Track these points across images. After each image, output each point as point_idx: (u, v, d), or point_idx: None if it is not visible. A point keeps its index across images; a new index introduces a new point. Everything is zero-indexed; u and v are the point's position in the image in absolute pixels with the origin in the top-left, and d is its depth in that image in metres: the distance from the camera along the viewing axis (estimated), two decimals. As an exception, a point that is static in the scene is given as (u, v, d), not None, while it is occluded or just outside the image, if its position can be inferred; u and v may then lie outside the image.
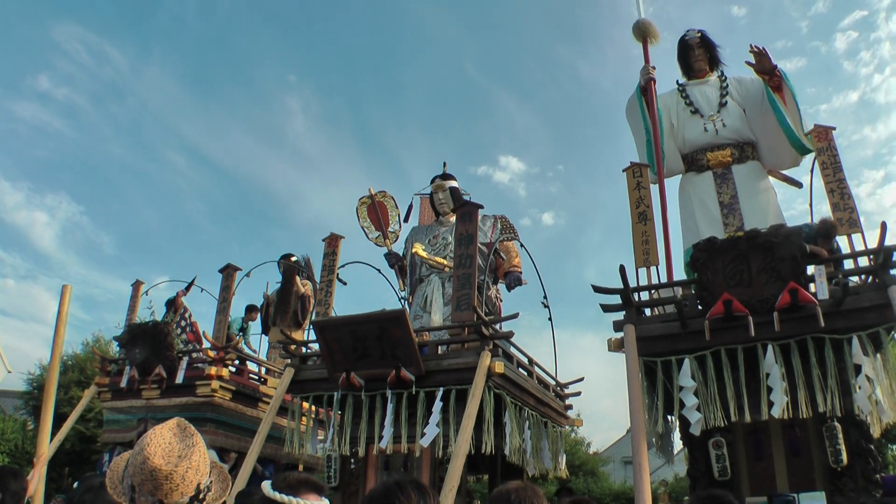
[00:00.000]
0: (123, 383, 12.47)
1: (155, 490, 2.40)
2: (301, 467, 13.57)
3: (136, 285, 14.50)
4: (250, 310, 15.92)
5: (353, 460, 9.93)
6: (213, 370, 11.97)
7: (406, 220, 13.37)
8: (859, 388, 7.29)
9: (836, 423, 7.47)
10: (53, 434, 9.46)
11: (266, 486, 3.24)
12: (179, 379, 12.07)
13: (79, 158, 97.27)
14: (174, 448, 2.49)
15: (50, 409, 8.57)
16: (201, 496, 2.49)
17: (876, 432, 7.82)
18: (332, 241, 11.39)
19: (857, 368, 7.38)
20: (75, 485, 5.82)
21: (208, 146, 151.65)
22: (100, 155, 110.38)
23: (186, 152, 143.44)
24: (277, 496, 3.17)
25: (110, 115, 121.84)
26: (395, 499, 2.67)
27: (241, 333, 15.29)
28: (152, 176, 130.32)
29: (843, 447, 7.40)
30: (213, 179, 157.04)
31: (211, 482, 2.58)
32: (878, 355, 7.66)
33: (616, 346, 8.30)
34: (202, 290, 14.84)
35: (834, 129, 9.05)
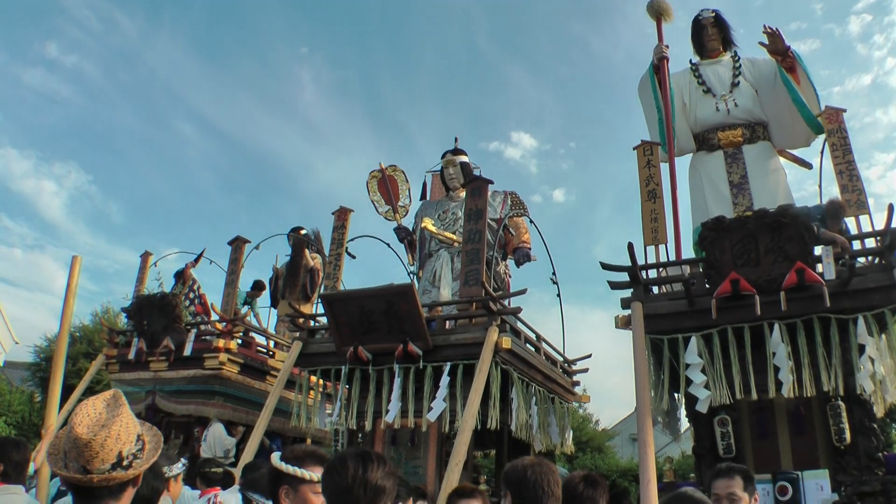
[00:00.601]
0: (131, 355, 12.52)
1: (78, 457, 2.47)
2: (309, 441, 13.64)
3: (145, 256, 14.53)
4: (257, 286, 15.90)
5: (360, 434, 9.96)
6: (221, 343, 12.01)
7: (422, 198, 13.38)
8: (862, 367, 7.32)
9: (840, 402, 7.51)
10: (62, 406, 9.48)
11: (275, 457, 3.34)
12: (187, 351, 12.11)
13: (87, 126, 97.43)
14: (101, 418, 2.54)
15: (58, 381, 8.61)
16: (124, 463, 2.54)
17: (879, 411, 7.85)
18: (342, 215, 11.42)
19: (862, 348, 7.42)
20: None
21: (217, 115, 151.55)
22: (108, 123, 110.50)
23: (196, 121, 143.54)
24: (284, 466, 3.25)
25: (119, 83, 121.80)
26: (334, 472, 2.76)
27: (245, 307, 15.33)
28: (161, 145, 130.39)
29: (846, 426, 7.44)
30: (223, 149, 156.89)
31: (139, 449, 2.63)
32: (883, 336, 7.67)
33: (623, 323, 8.32)
34: (211, 262, 14.85)
35: (844, 111, 9.08)
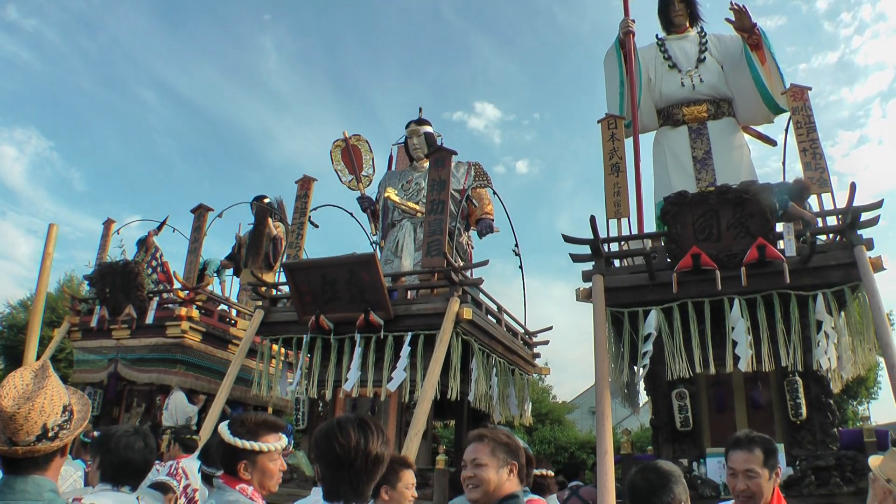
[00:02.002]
0: (94, 323, 12.50)
1: (4, 429, 2.47)
2: (270, 409, 13.64)
3: (108, 224, 14.44)
4: (229, 258, 15.84)
5: (321, 403, 9.97)
6: (183, 311, 11.99)
7: (389, 169, 13.33)
8: (818, 343, 7.38)
9: (798, 378, 7.59)
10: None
11: (226, 433, 3.30)
12: (149, 319, 12.10)
13: (48, 92, 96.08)
14: (27, 390, 2.54)
15: (33, 349, 8.57)
16: (50, 434, 2.54)
17: (836, 387, 7.93)
18: (305, 184, 11.37)
19: (821, 325, 7.48)
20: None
21: (179, 83, 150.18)
22: (69, 89, 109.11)
23: (157, 88, 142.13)
24: (240, 443, 3.26)
25: (80, 48, 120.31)
26: (333, 439, 2.70)
27: (215, 274, 15.29)
28: (123, 112, 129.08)
29: (803, 401, 7.53)
30: (185, 117, 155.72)
31: (65, 420, 2.62)
32: (842, 313, 7.74)
33: (584, 295, 8.34)
34: (174, 229, 14.83)
35: (810, 89, 9.11)
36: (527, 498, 3.97)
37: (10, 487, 2.50)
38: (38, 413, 2.49)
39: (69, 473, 5.74)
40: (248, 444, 3.31)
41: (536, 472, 5.86)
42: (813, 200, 8.48)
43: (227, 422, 3.41)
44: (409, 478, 4.75)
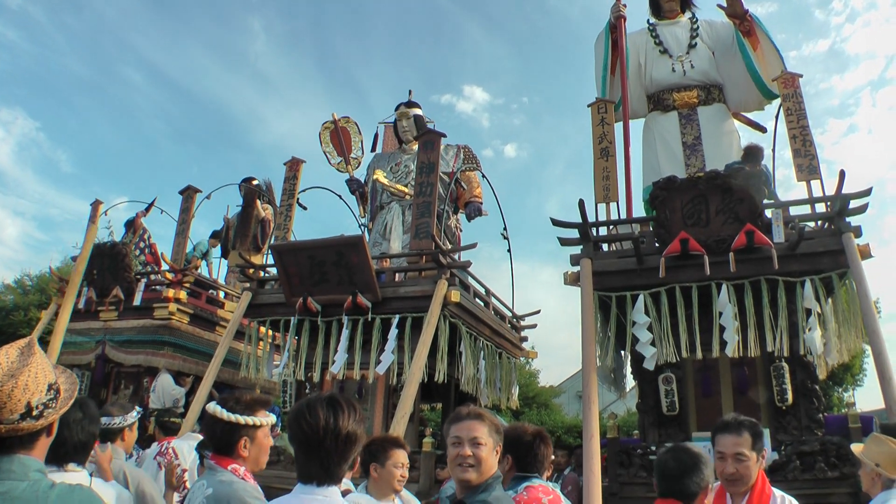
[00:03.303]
0: (81, 304, 12.44)
1: None
2: (258, 392, 13.62)
3: (95, 205, 14.36)
4: (216, 235, 15.79)
5: (308, 385, 9.97)
6: (170, 293, 11.97)
7: (373, 149, 13.33)
8: (809, 329, 7.40)
9: (784, 364, 7.62)
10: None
11: (220, 411, 3.32)
12: (137, 301, 12.10)
13: (34, 72, 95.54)
14: (12, 367, 2.51)
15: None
16: (34, 413, 2.51)
17: (822, 374, 7.95)
18: (294, 166, 11.34)
19: (808, 311, 7.50)
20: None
21: (166, 64, 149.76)
22: (56, 69, 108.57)
23: (144, 69, 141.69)
24: (242, 419, 3.30)
25: (66, 28, 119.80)
26: (302, 419, 2.66)
27: (203, 257, 15.26)
28: (109, 92, 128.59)
29: (788, 387, 7.57)
30: (172, 98, 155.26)
31: (50, 398, 2.60)
32: (830, 300, 7.75)
33: (572, 279, 8.35)
34: (162, 211, 14.80)
35: (801, 76, 9.10)
36: (528, 484, 4.00)
37: None
38: (22, 391, 2.46)
39: None
40: (249, 420, 3.34)
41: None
42: (802, 188, 8.49)
43: (215, 403, 3.39)
44: (398, 457, 4.78)
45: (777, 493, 4.00)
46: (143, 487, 4.54)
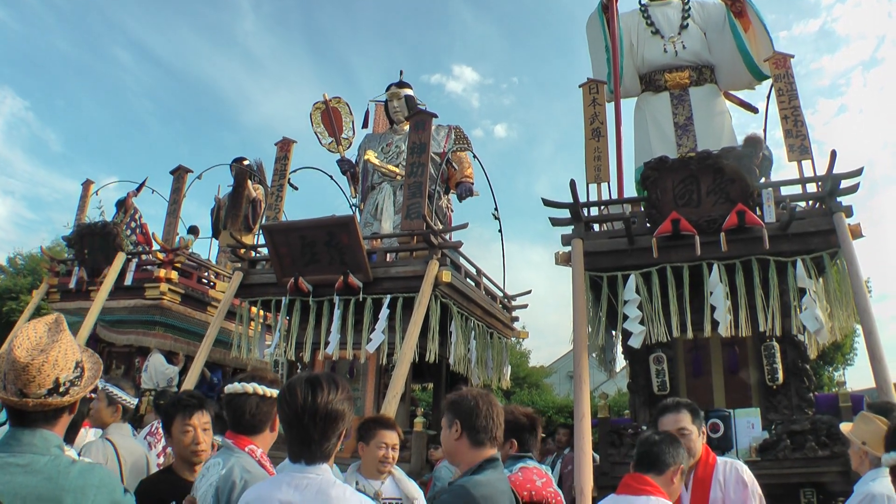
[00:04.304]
0: (72, 284, 12.46)
1: (15, 380, 2.45)
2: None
3: (86, 185, 14.37)
4: (192, 231, 15.74)
5: (299, 365, 9.97)
6: (162, 273, 11.96)
7: (364, 126, 13.31)
8: (805, 308, 7.41)
9: (775, 343, 7.64)
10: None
11: (259, 387, 3.43)
12: (128, 281, 12.06)
13: (22, 51, 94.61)
14: (41, 342, 2.52)
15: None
16: (61, 389, 2.52)
17: (812, 353, 7.98)
18: (285, 146, 11.31)
19: (801, 291, 7.52)
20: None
21: (155, 43, 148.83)
22: (44, 48, 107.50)
23: (132, 48, 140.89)
24: (261, 389, 3.39)
25: (54, 7, 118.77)
26: (283, 399, 2.72)
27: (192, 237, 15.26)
28: (98, 72, 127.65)
29: (779, 366, 7.59)
30: (160, 77, 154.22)
31: (76, 376, 2.61)
32: (821, 279, 7.77)
33: (563, 259, 8.35)
34: (153, 191, 14.76)
35: (792, 56, 9.09)
36: (522, 465, 4.04)
37: (16, 440, 2.48)
38: (52, 366, 2.48)
39: None
40: (269, 393, 3.40)
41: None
42: (793, 168, 8.49)
43: (242, 380, 3.43)
44: (382, 437, 4.84)
45: (721, 460, 4.28)
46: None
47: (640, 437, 3.79)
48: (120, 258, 11.91)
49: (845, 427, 4.38)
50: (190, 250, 14.29)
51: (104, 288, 11.43)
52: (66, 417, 2.64)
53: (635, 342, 7.72)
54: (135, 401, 5.38)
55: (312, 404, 2.64)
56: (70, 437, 3.72)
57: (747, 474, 4.17)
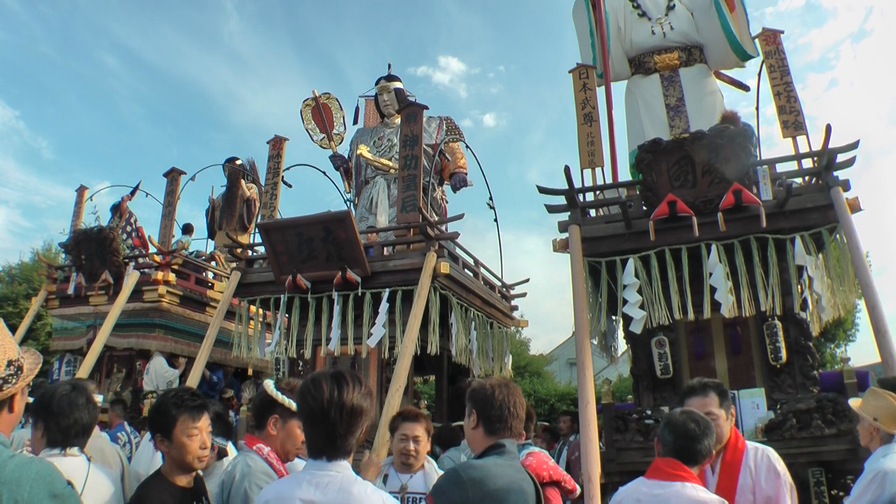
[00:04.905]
0: (71, 290, 12.48)
1: None
2: (250, 371, 13.66)
3: (81, 191, 14.36)
4: (186, 230, 15.74)
5: (300, 362, 9.95)
6: (159, 275, 11.96)
7: (354, 122, 13.27)
8: (809, 285, 7.41)
9: (777, 322, 7.62)
10: None
11: (270, 385, 3.73)
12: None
13: (9, 60, 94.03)
14: None
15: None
16: None
17: (815, 330, 7.96)
18: (277, 144, 11.27)
19: (799, 269, 7.51)
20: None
21: (140, 46, 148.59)
22: (31, 57, 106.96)
23: (119, 53, 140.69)
24: (279, 396, 3.69)
25: (40, 15, 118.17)
26: (307, 394, 2.73)
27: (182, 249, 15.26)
28: (86, 78, 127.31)
29: (782, 345, 7.56)
30: (148, 81, 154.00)
31: (10, 374, 2.62)
32: (820, 255, 7.75)
33: (561, 246, 8.34)
34: (147, 194, 14.75)
35: (782, 32, 9.07)
36: (529, 450, 4.06)
37: None
38: None
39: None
40: (286, 401, 3.63)
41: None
42: (788, 143, 8.48)
43: (272, 380, 3.75)
44: (404, 429, 5.07)
45: (751, 445, 4.16)
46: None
47: (676, 424, 3.67)
48: (134, 276, 11.87)
49: (854, 403, 4.36)
50: (188, 251, 14.31)
51: (118, 304, 11.38)
52: (5, 414, 2.67)
53: (636, 327, 7.71)
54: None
55: (339, 399, 2.68)
56: (82, 442, 3.71)
57: (780, 463, 4.08)
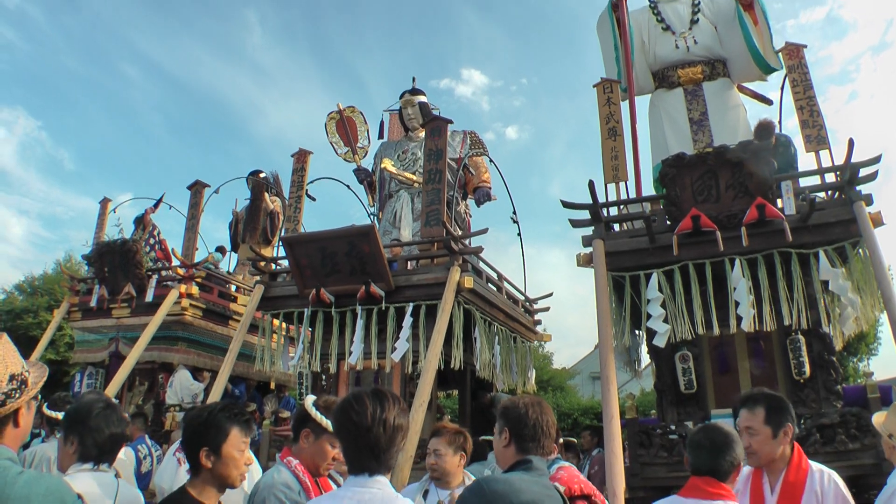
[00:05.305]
0: (93, 302, 12.50)
1: None
2: (273, 385, 13.68)
3: (104, 203, 14.42)
4: (220, 250, 15.77)
5: (324, 376, 9.96)
6: (182, 288, 11.97)
7: (380, 137, 13.29)
8: (832, 299, 7.40)
9: (800, 336, 7.61)
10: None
11: (309, 400, 3.85)
12: (149, 297, 12.07)
13: (32, 72, 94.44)
14: None
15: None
16: None
17: (838, 345, 7.95)
18: (301, 157, 11.30)
19: (823, 283, 7.50)
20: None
21: (164, 59, 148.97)
22: (55, 67, 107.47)
23: (142, 65, 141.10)
24: (313, 412, 3.78)
25: (63, 27, 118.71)
26: (350, 410, 2.75)
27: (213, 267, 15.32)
28: (108, 89, 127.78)
29: (806, 359, 7.55)
30: (170, 93, 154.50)
31: (13, 388, 2.62)
32: (843, 269, 7.73)
33: (585, 261, 8.34)
34: (170, 207, 14.78)
35: (805, 46, 9.08)
36: (559, 465, 4.07)
37: None
38: None
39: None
40: (319, 417, 3.72)
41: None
42: (811, 158, 8.47)
43: (314, 397, 3.89)
44: (431, 444, 5.09)
45: (816, 467, 4.06)
46: None
47: (693, 442, 3.66)
48: (173, 294, 11.91)
49: (877, 419, 4.34)
50: (218, 268, 14.35)
51: (156, 319, 11.39)
52: (10, 428, 2.66)
53: (660, 341, 7.71)
54: None
55: (381, 415, 2.73)
56: (112, 458, 3.72)
57: (846, 490, 4.00)
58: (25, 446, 6.64)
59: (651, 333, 7.95)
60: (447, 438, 5.09)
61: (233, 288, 13.74)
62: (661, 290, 7.83)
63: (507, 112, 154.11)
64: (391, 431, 2.74)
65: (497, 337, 10.07)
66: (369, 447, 2.72)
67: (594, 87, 9.49)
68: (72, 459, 3.66)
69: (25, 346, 9.97)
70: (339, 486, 3.74)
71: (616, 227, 8.70)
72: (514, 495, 2.85)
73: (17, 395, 2.62)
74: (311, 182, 11.60)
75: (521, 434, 3.23)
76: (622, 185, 8.88)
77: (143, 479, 8.05)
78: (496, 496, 2.83)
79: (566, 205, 8.47)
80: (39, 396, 2.94)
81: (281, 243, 10.19)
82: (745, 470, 4.04)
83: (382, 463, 2.74)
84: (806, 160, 9.09)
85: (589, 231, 8.43)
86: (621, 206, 8.77)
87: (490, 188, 12.03)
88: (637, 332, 9.09)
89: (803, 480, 3.98)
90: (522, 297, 11.98)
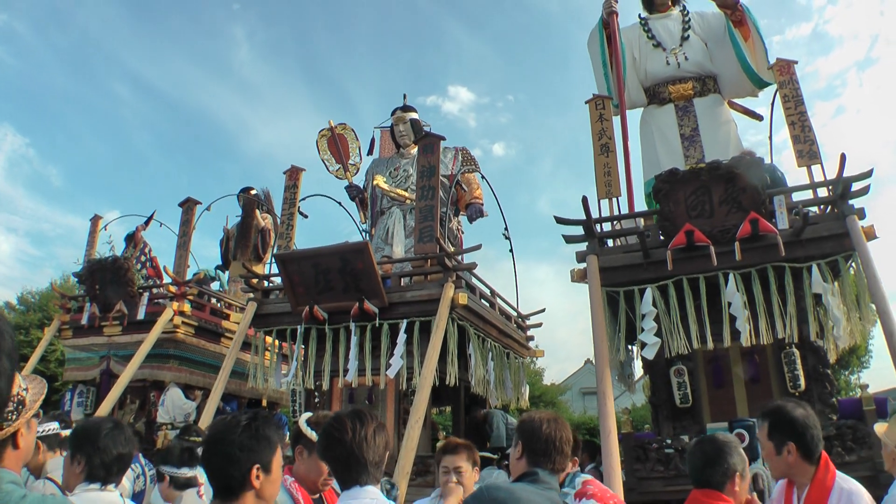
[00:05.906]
0: (84, 320, 12.42)
1: None
2: (265, 402, 13.63)
3: (95, 220, 14.37)
4: (221, 269, 15.74)
5: (317, 394, 9.94)
6: (174, 305, 11.93)
7: (370, 153, 13.31)
8: (825, 312, 7.42)
9: (795, 350, 7.65)
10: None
11: (303, 418, 3.93)
12: (141, 315, 12.00)
13: (21, 88, 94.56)
14: None
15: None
16: None
17: (832, 357, 7.97)
18: (293, 174, 11.30)
19: (816, 297, 7.52)
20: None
21: (152, 75, 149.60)
22: (43, 84, 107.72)
23: (130, 82, 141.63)
24: (305, 429, 3.83)
25: (52, 43, 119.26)
26: (332, 431, 2.93)
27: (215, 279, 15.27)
28: (96, 106, 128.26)
29: (800, 372, 7.59)
30: (159, 110, 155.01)
31: (10, 410, 2.58)
32: (836, 283, 7.76)
33: (579, 276, 8.35)
34: (161, 224, 14.73)
35: (796, 62, 9.10)
36: (583, 478, 4.09)
37: None
38: None
39: None
40: (310, 433, 3.75)
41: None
42: (803, 172, 8.50)
43: (309, 414, 4.00)
44: (444, 461, 4.97)
45: (841, 484, 3.78)
46: None
47: (688, 452, 3.74)
48: (167, 312, 11.87)
49: (879, 429, 4.34)
50: (216, 286, 14.32)
51: (150, 339, 11.34)
52: (10, 451, 2.56)
53: (649, 353, 7.73)
54: (54, 424, 5.30)
55: (362, 430, 2.89)
56: (119, 479, 3.72)
57: None
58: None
59: (643, 346, 7.96)
60: (466, 455, 5.09)
61: (225, 305, 13.70)
62: (655, 304, 7.84)
63: (493, 129, 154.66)
64: (373, 444, 2.88)
65: (491, 353, 10.09)
66: (355, 460, 2.85)
67: (586, 103, 9.50)
68: (78, 479, 3.63)
69: (19, 361, 9.94)
70: None
71: (610, 242, 8.72)
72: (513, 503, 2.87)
73: (14, 417, 2.56)
74: (304, 199, 11.60)
75: (534, 448, 3.25)
76: (615, 200, 8.89)
77: (136, 499, 7.99)
78: (496, 503, 2.85)
79: (560, 220, 8.49)
80: (41, 413, 2.90)
81: (274, 260, 10.16)
82: (781, 482, 4.02)
83: (371, 474, 2.87)
84: (798, 175, 9.13)
85: (583, 247, 8.44)
86: (615, 222, 8.79)
87: (482, 204, 12.07)
88: (630, 346, 9.11)
89: (825, 499, 3.75)
90: (515, 314, 11.98)
